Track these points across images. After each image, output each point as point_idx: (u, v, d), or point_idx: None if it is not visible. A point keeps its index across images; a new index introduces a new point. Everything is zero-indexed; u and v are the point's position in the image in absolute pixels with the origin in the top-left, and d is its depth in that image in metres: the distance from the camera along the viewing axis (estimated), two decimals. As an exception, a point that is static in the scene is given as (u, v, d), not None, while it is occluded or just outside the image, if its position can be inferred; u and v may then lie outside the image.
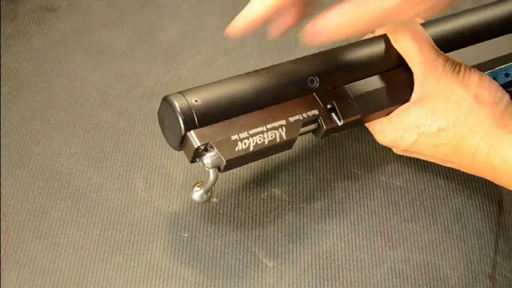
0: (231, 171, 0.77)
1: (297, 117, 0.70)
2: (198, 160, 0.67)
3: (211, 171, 0.67)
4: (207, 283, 0.69)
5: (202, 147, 0.66)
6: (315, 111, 0.70)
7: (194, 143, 0.66)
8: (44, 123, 0.81)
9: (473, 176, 0.72)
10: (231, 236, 0.73)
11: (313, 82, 0.71)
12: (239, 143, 0.67)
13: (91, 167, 0.78)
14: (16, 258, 0.70)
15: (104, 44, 0.90)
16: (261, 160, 0.78)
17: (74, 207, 0.74)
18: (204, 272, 0.70)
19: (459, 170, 0.72)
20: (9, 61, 0.87)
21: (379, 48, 0.74)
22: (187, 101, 0.66)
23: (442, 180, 0.77)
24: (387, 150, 0.79)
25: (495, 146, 0.68)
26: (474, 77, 0.72)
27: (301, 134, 0.70)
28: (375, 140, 0.74)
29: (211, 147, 0.66)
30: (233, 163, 0.67)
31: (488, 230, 0.74)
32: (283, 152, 0.79)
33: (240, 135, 0.67)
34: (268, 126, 0.68)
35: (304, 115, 0.70)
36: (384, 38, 0.74)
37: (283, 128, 0.69)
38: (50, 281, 0.69)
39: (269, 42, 0.91)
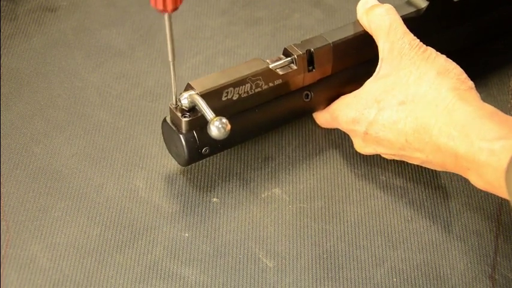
0: (231, 170, 0.77)
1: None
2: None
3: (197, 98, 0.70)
4: (207, 283, 0.69)
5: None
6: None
7: None
8: (44, 123, 0.81)
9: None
10: (231, 236, 0.73)
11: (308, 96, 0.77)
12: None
13: (91, 167, 0.78)
14: (16, 258, 0.70)
15: (104, 44, 0.90)
16: (261, 159, 0.78)
17: (74, 207, 0.74)
18: (204, 272, 0.70)
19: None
20: (9, 61, 0.87)
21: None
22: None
23: (442, 181, 0.77)
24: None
25: (455, 117, 0.68)
26: (440, 58, 0.73)
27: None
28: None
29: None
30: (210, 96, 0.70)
31: (488, 230, 0.74)
32: (283, 152, 0.79)
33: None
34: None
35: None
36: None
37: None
38: (50, 281, 0.69)
39: (269, 42, 0.91)
